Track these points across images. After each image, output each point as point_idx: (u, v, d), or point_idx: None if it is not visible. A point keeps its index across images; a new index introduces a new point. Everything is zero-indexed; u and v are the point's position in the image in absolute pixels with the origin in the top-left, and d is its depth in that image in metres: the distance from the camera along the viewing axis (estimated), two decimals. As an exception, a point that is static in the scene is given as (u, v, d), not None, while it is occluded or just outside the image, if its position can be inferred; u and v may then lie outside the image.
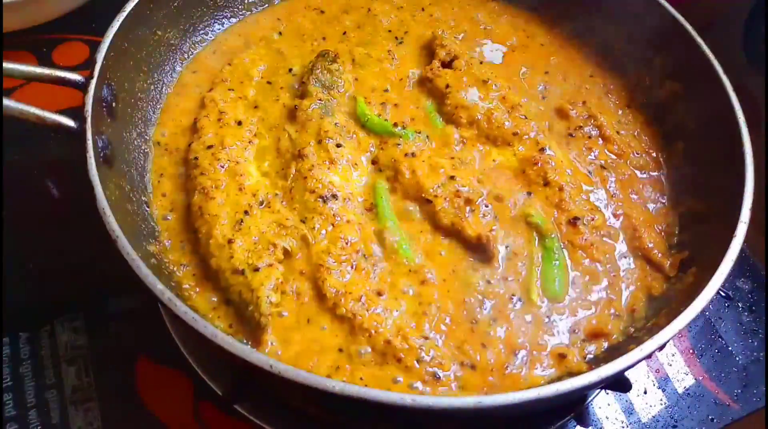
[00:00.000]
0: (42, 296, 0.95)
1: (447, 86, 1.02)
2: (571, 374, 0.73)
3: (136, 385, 0.87)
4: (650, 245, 0.89)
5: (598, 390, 0.95)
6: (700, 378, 0.98)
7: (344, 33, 1.13)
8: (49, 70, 0.84)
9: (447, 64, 1.06)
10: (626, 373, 0.81)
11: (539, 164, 0.94)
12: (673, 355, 1.01)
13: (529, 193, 0.92)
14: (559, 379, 0.72)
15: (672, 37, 1.01)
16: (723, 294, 1.09)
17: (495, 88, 1.03)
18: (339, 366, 0.75)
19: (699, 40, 0.97)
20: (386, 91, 1.04)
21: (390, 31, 1.14)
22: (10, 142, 1.10)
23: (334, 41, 1.12)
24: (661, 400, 0.96)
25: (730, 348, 1.02)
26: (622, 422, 0.94)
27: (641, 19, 1.06)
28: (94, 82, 0.82)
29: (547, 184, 0.93)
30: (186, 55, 1.08)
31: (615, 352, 0.77)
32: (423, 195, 0.89)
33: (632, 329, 0.82)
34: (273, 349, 0.76)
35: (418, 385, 0.74)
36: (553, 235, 0.88)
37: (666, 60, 1.05)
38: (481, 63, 1.09)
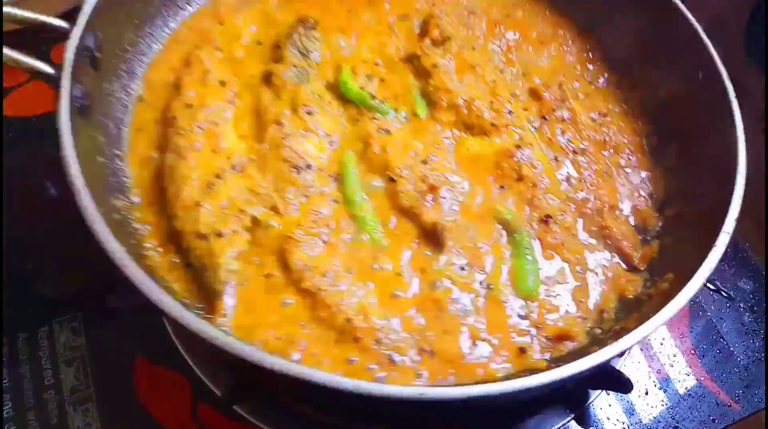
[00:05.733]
0: (40, 297, 0.94)
1: (433, 66, 0.97)
2: (529, 371, 0.69)
3: (134, 385, 0.86)
4: (619, 236, 0.87)
5: (600, 391, 0.94)
6: (702, 378, 0.97)
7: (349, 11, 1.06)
8: (32, 14, 0.79)
9: (438, 44, 1.02)
10: (627, 374, 0.83)
11: (515, 158, 0.90)
12: (674, 356, 1.00)
13: (501, 187, 0.89)
14: (516, 375, 0.69)
15: (675, 31, 0.97)
16: (725, 294, 1.08)
17: (482, 74, 0.99)
18: (295, 340, 0.72)
19: (703, 35, 0.93)
20: (377, 64, 1.00)
21: (388, 6, 1.09)
22: (10, 142, 1.10)
23: (334, 13, 1.05)
24: (663, 400, 0.95)
25: (731, 348, 1.01)
26: (623, 423, 0.92)
27: (644, 10, 1.03)
28: (78, 29, 0.77)
29: (520, 179, 0.89)
30: (180, 11, 1.02)
31: (577, 353, 0.75)
32: (388, 172, 0.86)
33: (599, 330, 0.79)
34: (229, 317, 0.73)
35: (374, 366, 0.71)
36: (523, 231, 0.85)
37: (669, 57, 1.00)
38: (473, 49, 1.04)
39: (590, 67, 1.09)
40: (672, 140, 0.97)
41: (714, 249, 0.72)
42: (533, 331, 0.77)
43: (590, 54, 1.11)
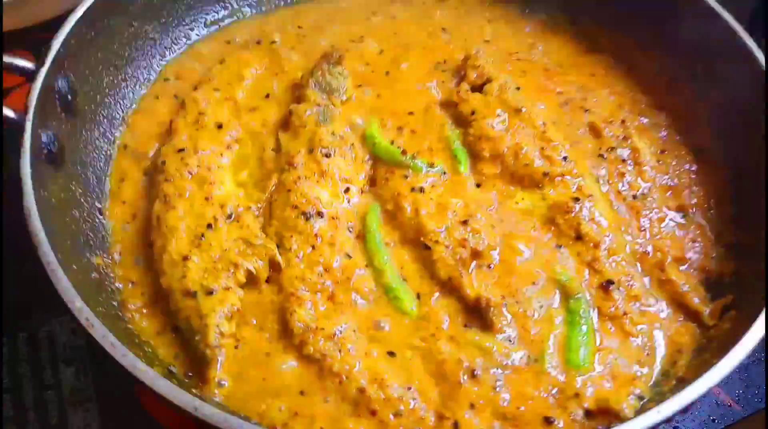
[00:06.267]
0: (40, 297, 0.96)
1: (473, 113, 0.87)
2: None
3: (134, 386, 0.87)
4: (685, 289, 0.76)
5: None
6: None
7: (381, 52, 0.98)
8: None
9: (477, 88, 0.91)
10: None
11: (573, 213, 0.79)
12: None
13: (558, 247, 0.78)
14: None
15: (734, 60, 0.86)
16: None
17: (529, 117, 0.87)
18: (298, 412, 0.65)
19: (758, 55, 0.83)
20: (411, 113, 0.89)
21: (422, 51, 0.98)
22: (9, 142, 1.09)
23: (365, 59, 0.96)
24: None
25: (731, 349, 0.98)
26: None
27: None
28: (44, 70, 0.73)
29: (579, 238, 0.78)
30: (167, 52, 0.97)
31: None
32: (422, 239, 0.76)
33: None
34: (222, 386, 0.67)
35: None
36: (579, 296, 0.74)
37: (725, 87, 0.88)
38: (518, 89, 0.90)
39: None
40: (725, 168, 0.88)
41: None
42: (572, 405, 0.68)
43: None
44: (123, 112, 0.91)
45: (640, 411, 0.66)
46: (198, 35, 1.01)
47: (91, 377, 0.86)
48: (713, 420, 0.89)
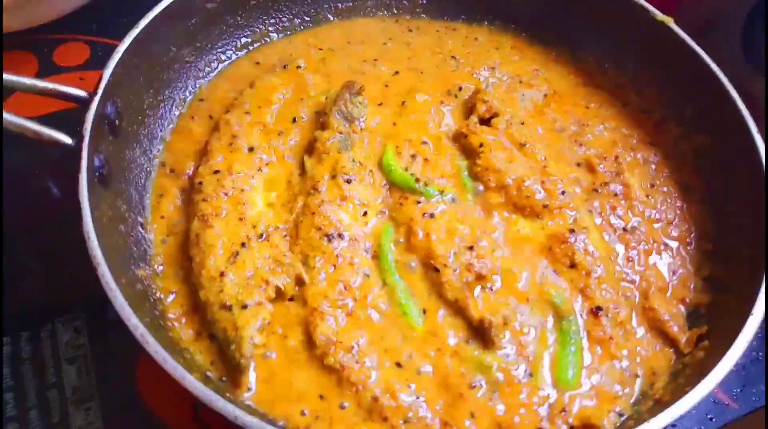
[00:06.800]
0: (42, 296, 0.92)
1: (481, 145, 0.92)
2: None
3: (136, 384, 0.83)
4: (666, 317, 0.82)
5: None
6: (700, 377, 0.97)
7: (396, 73, 1.05)
8: (51, 84, 0.78)
9: (485, 121, 0.97)
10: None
11: (568, 243, 0.85)
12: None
13: (554, 272, 0.84)
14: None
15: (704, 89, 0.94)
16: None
17: (532, 152, 0.94)
18: (319, 416, 0.70)
19: (732, 91, 0.90)
20: (424, 143, 0.95)
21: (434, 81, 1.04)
22: (11, 141, 1.10)
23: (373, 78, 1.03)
24: (661, 399, 0.95)
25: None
26: (622, 422, 0.93)
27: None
28: (97, 99, 0.77)
29: (573, 266, 0.84)
30: (201, 74, 1.03)
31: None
32: (432, 262, 0.82)
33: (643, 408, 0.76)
34: (253, 392, 0.72)
35: None
36: (571, 318, 0.80)
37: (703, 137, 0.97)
38: (522, 124, 0.98)
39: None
40: (702, 202, 0.96)
41: (751, 317, 0.71)
42: (559, 420, 0.73)
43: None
44: (161, 131, 0.96)
45: (620, 427, 0.73)
46: (229, 58, 1.07)
47: (94, 376, 0.85)
48: (711, 419, 0.90)
